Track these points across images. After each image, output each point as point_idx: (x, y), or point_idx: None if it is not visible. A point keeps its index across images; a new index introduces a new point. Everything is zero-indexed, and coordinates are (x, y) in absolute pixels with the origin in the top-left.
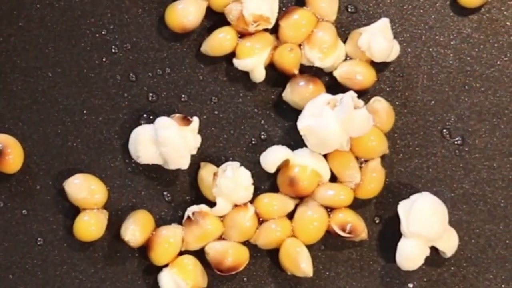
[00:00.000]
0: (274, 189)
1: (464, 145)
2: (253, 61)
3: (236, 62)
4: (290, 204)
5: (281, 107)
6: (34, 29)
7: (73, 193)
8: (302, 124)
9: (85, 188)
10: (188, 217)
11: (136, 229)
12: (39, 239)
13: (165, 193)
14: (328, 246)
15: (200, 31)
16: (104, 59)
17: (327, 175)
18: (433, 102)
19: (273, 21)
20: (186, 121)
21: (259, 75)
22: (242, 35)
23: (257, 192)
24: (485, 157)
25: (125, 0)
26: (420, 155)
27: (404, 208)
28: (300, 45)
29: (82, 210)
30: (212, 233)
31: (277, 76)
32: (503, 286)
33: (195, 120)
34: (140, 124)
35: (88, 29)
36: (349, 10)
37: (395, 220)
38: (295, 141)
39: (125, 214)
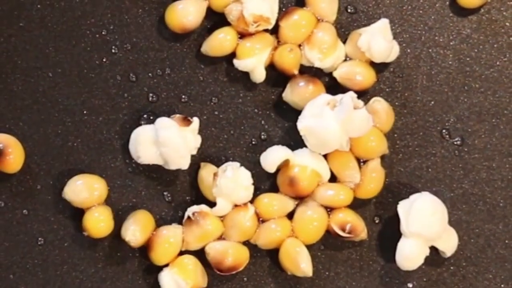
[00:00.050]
0: (274, 189)
1: (464, 145)
2: (253, 61)
3: (236, 62)
4: (290, 204)
5: (281, 107)
6: (35, 29)
7: (74, 197)
8: (302, 124)
9: (84, 188)
10: (188, 217)
11: (136, 229)
12: (39, 239)
13: (165, 193)
14: (328, 246)
15: (200, 31)
16: (104, 60)
17: (327, 175)
18: (432, 102)
19: (273, 22)
20: (186, 121)
21: (259, 75)
22: (242, 35)
23: (257, 192)
24: (484, 157)
25: (125, 0)
26: (419, 155)
27: (403, 208)
28: (300, 45)
29: (86, 209)
30: (212, 233)
31: (277, 77)
32: (502, 285)
33: (195, 121)
34: (141, 124)
35: (88, 29)
36: (349, 10)
37: (395, 220)
38: (295, 141)
39: (125, 214)
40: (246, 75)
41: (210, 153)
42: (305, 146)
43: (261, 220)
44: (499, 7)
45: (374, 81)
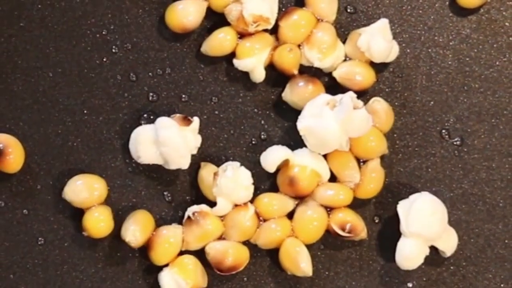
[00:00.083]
0: (274, 189)
1: (463, 145)
2: (253, 61)
3: (236, 62)
4: (290, 204)
5: (281, 107)
6: (35, 29)
7: (74, 197)
8: (302, 124)
9: (84, 188)
10: (189, 217)
11: (136, 229)
12: (39, 238)
13: (165, 193)
14: (327, 245)
15: (200, 31)
16: (104, 59)
17: (327, 175)
18: (432, 102)
19: (272, 22)
20: (187, 121)
21: (259, 75)
22: (242, 35)
23: (257, 192)
24: (484, 157)
25: (125, 0)
26: (419, 155)
27: (403, 207)
28: (299, 45)
29: (86, 209)
30: (212, 233)
31: (277, 76)
32: (502, 285)
33: (196, 120)
34: (141, 124)
35: (89, 29)
36: (349, 10)
37: (395, 219)
38: (295, 141)
39: (125, 214)
40: (246, 75)
41: (210, 152)
42: (305, 146)
43: (261, 220)
44: (499, 7)
45: (374, 81)
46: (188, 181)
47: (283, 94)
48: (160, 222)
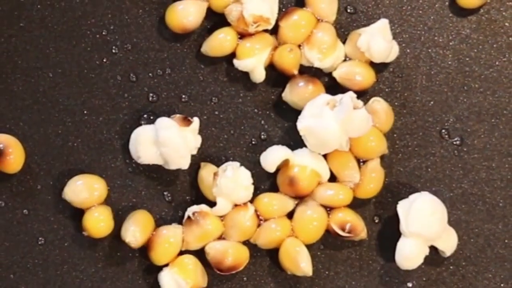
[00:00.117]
0: (274, 189)
1: (463, 145)
2: (253, 61)
3: (236, 62)
4: (290, 204)
5: (281, 107)
6: (35, 30)
7: (74, 197)
8: (302, 124)
9: (84, 188)
10: (188, 217)
11: (136, 230)
12: (40, 238)
13: (165, 193)
14: (327, 245)
15: (201, 31)
16: (104, 60)
17: (327, 175)
18: (432, 102)
19: (273, 22)
20: (187, 121)
21: (259, 75)
22: (242, 35)
23: (257, 192)
24: (483, 157)
25: (125, 0)
26: (419, 155)
27: (403, 207)
28: (299, 45)
29: (86, 209)
30: (212, 233)
31: (277, 77)
32: (502, 285)
33: (196, 121)
34: (141, 124)
35: (89, 29)
36: (349, 11)
37: (395, 219)
38: (295, 141)
39: (125, 214)
40: (246, 75)
41: (210, 153)
42: (305, 146)
43: (261, 219)
44: (499, 7)
45: (374, 81)
46: (188, 181)
47: (283, 94)
48: (160, 222)
